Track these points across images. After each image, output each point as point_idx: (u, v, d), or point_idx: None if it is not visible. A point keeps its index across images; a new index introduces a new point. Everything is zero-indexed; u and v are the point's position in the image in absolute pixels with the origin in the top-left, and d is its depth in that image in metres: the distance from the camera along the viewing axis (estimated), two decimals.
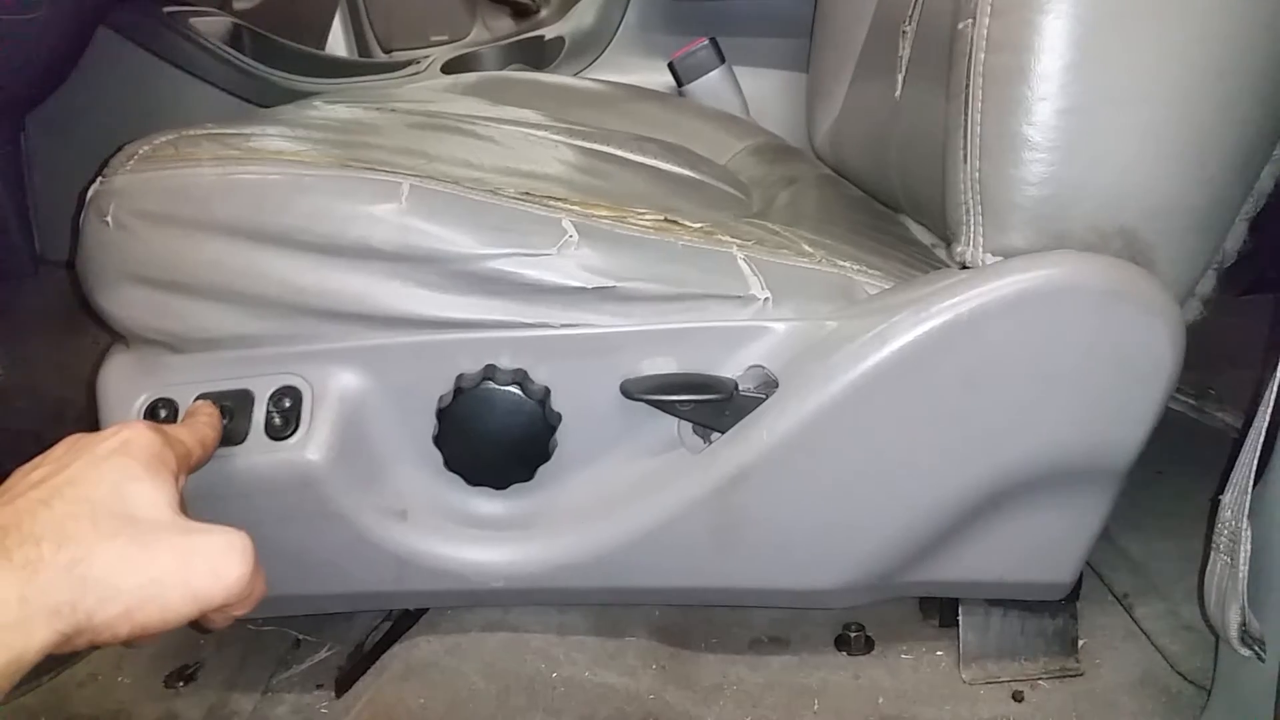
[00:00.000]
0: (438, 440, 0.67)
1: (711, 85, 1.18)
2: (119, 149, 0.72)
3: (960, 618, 0.80)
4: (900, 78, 0.85)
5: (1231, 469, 0.61)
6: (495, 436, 0.66)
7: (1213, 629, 0.65)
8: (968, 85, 0.63)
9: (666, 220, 0.69)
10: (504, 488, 0.68)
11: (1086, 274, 0.61)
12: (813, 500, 0.67)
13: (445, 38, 2.19)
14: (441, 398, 0.66)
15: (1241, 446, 0.61)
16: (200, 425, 0.60)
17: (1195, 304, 0.71)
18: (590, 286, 0.65)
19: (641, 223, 0.68)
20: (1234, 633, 0.61)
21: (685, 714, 0.76)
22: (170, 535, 0.46)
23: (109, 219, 0.67)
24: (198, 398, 0.67)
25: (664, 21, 1.29)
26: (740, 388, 0.66)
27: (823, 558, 0.69)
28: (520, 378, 0.66)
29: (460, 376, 0.66)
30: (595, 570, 0.70)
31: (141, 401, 0.67)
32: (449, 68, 1.35)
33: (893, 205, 0.95)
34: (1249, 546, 0.60)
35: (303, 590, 0.71)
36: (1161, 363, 0.63)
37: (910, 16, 0.84)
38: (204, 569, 0.46)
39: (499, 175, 0.72)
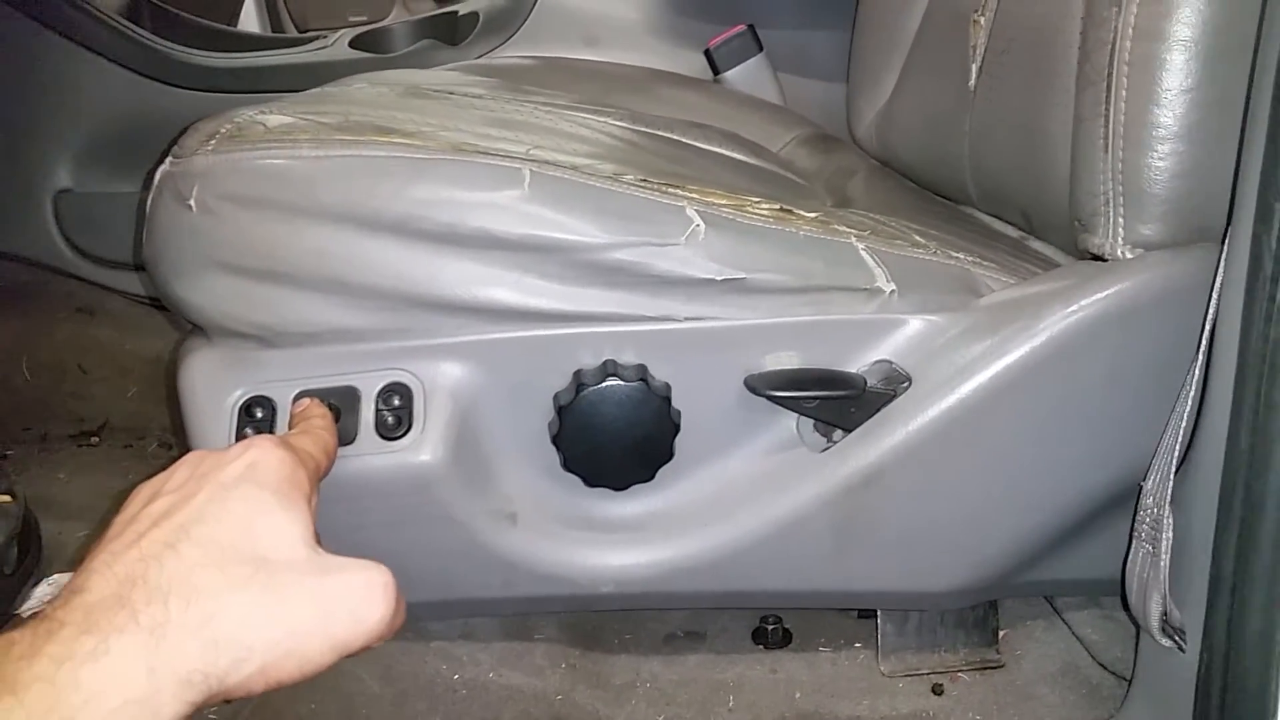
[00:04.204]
0: (557, 439, 0.63)
1: (749, 73, 1.15)
2: (187, 127, 0.67)
3: (879, 610, 0.78)
4: (975, 67, 0.84)
5: (1154, 455, 0.60)
6: (619, 435, 0.63)
7: (1134, 619, 0.64)
8: (1110, 73, 0.61)
9: (783, 210, 0.67)
10: (623, 489, 0.65)
11: None
12: (944, 500, 0.65)
13: (364, 18, 2.14)
14: (559, 395, 0.63)
15: (1164, 432, 0.60)
16: (319, 431, 0.56)
17: None
18: (720, 278, 0.62)
19: (760, 211, 0.66)
20: (1155, 622, 0.60)
21: (595, 714, 0.73)
22: (306, 578, 0.43)
23: (191, 202, 0.62)
24: (297, 395, 0.62)
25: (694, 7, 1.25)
26: (869, 383, 0.64)
27: (946, 559, 0.68)
28: (643, 373, 0.63)
29: (580, 372, 0.63)
30: (709, 573, 0.67)
31: (235, 400, 0.63)
32: (357, 43, 1.31)
33: (954, 197, 0.93)
34: (1171, 534, 0.58)
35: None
36: None
37: (984, 6, 0.83)
38: (344, 615, 0.43)
39: (600, 162, 0.69)
